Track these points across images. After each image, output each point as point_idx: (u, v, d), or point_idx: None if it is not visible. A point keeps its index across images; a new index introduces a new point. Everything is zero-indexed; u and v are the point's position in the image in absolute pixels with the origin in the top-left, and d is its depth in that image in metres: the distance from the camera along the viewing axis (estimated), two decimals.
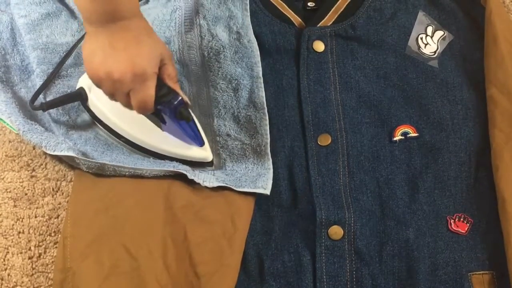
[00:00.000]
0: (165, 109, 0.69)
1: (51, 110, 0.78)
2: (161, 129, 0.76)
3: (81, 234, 0.70)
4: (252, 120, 0.77)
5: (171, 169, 0.73)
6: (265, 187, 0.74)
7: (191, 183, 0.73)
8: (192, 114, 0.74)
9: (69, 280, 0.68)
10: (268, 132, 0.77)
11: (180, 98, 0.69)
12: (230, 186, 0.74)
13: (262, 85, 0.79)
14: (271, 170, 0.75)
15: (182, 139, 0.75)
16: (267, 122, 0.77)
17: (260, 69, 0.80)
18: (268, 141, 0.76)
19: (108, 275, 0.67)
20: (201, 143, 0.75)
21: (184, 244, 0.70)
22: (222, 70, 0.80)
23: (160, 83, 0.67)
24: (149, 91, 0.66)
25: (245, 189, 0.74)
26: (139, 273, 0.67)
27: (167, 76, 0.69)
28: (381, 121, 0.79)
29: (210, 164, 0.76)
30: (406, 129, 0.78)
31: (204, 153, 0.76)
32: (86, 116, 0.80)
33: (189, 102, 0.71)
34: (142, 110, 0.67)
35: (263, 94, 0.78)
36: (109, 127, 0.78)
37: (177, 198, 0.72)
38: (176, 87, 0.70)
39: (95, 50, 0.64)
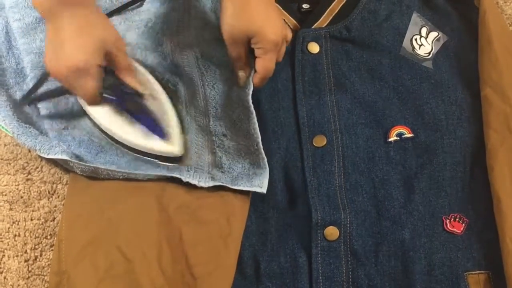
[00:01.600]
0: (112, 100, 0.69)
1: (45, 112, 0.78)
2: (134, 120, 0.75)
3: (76, 237, 0.70)
4: (243, 119, 0.77)
5: (165, 173, 0.73)
6: (261, 186, 0.74)
7: (186, 183, 0.73)
8: (148, 105, 0.72)
9: (65, 283, 0.68)
10: (258, 130, 0.76)
11: (127, 89, 0.68)
12: (226, 185, 0.73)
13: (251, 83, 0.78)
14: (267, 169, 0.75)
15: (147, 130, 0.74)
16: (255, 120, 0.76)
17: None
18: (260, 139, 0.76)
19: (103, 278, 0.67)
20: (161, 135, 0.74)
21: (179, 246, 0.70)
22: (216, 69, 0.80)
23: (108, 75, 0.67)
24: (92, 83, 0.66)
25: (241, 187, 0.73)
26: (134, 275, 0.67)
27: (117, 67, 0.69)
28: (376, 122, 0.79)
29: (178, 159, 0.75)
30: (401, 130, 0.78)
31: (169, 147, 0.74)
32: (79, 119, 0.79)
33: (140, 91, 0.70)
34: (88, 103, 0.69)
35: (250, 92, 0.77)
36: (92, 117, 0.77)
37: (171, 200, 0.72)
38: (127, 78, 0.69)
39: (47, 47, 0.66)
